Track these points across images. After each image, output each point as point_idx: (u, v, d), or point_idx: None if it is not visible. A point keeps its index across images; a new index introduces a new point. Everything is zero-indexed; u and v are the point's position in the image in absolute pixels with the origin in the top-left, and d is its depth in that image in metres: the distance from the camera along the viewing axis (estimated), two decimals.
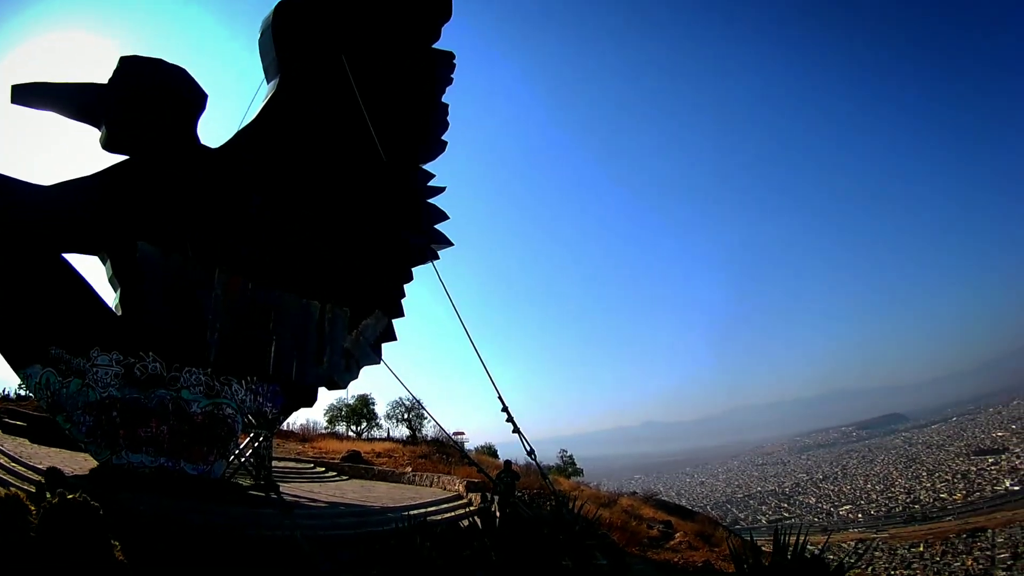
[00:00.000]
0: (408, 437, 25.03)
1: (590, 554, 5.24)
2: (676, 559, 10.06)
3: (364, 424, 26.63)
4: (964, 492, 76.63)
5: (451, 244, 10.81)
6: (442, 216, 10.76)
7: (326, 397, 19.37)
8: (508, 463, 10.50)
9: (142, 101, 7.67)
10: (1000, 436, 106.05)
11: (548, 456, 23.34)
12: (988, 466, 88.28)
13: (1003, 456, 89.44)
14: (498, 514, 7.59)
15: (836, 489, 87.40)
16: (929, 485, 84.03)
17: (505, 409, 8.46)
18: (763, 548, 4.10)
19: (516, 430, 8.41)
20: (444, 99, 11.36)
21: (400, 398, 24.51)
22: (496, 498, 9.02)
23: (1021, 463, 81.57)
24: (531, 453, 8.85)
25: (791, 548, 3.81)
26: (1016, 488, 68.21)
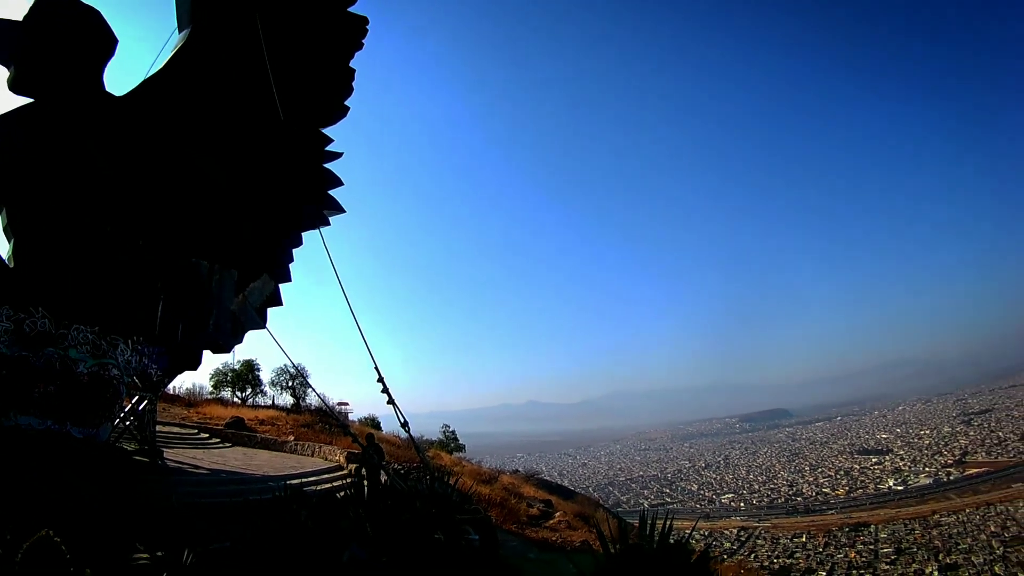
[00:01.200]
0: (292, 406, 34.04)
1: (462, 529, 7.29)
2: (554, 538, 13.27)
3: (249, 391, 35.40)
4: (847, 488, 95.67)
5: (343, 211, 13.37)
6: (337, 182, 13.24)
7: (211, 361, 24.41)
8: (371, 436, 13.58)
9: (52, 41, 9.67)
10: (884, 438, 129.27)
11: (432, 431, 34.58)
12: (871, 465, 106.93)
13: (886, 457, 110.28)
14: (366, 487, 10.09)
15: (718, 478, 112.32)
16: (812, 479, 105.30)
17: (381, 380, 11.11)
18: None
19: (391, 401, 11.18)
20: (352, 64, 14.19)
21: (285, 365, 33.57)
22: (363, 471, 11.98)
23: (904, 464, 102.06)
24: (404, 425, 11.39)
25: (659, 532, 4.73)
26: (899, 488, 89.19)
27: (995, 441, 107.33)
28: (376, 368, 11.29)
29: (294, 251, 13.92)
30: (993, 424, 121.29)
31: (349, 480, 12.40)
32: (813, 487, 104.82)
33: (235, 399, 34.99)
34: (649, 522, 4.95)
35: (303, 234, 13.96)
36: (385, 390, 11.27)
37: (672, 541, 4.63)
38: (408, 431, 11.85)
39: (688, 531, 21.82)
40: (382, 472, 11.99)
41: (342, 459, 17.50)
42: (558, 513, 17.17)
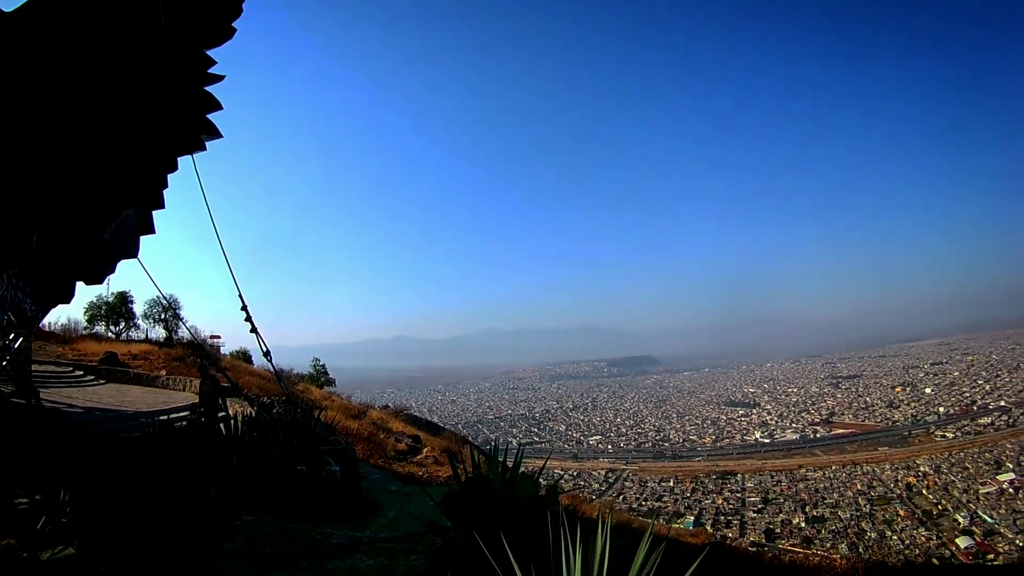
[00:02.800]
0: (164, 339, 39.04)
1: (323, 460, 8.91)
2: (421, 472, 15.82)
3: (123, 324, 40.35)
4: (714, 437, 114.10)
5: (220, 136, 12.54)
6: (215, 105, 12.32)
7: (85, 294, 38.47)
8: (204, 367, 15.19)
9: None
10: (752, 392, 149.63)
11: (303, 365, 41.31)
12: (738, 417, 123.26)
13: (754, 410, 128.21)
14: (232, 421, 10.75)
15: (586, 419, 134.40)
16: (679, 426, 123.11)
17: (244, 308, 12.40)
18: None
19: (253, 329, 12.60)
20: None
21: (158, 298, 37.31)
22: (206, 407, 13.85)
23: (771, 419, 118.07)
24: (267, 354, 12.99)
25: (511, 466, 5.59)
26: (766, 441, 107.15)
27: (862, 405, 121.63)
28: (240, 295, 12.45)
29: (169, 177, 12.15)
30: (861, 389, 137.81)
31: (194, 415, 13.70)
32: (680, 434, 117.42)
33: (109, 334, 39.00)
34: (502, 455, 5.80)
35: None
36: (248, 318, 12.54)
37: (522, 472, 5.41)
38: (270, 360, 13.29)
39: (557, 471, 74.03)
40: (244, 405, 14.00)
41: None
42: (426, 448, 20.24)
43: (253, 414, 11.59)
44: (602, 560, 3.83)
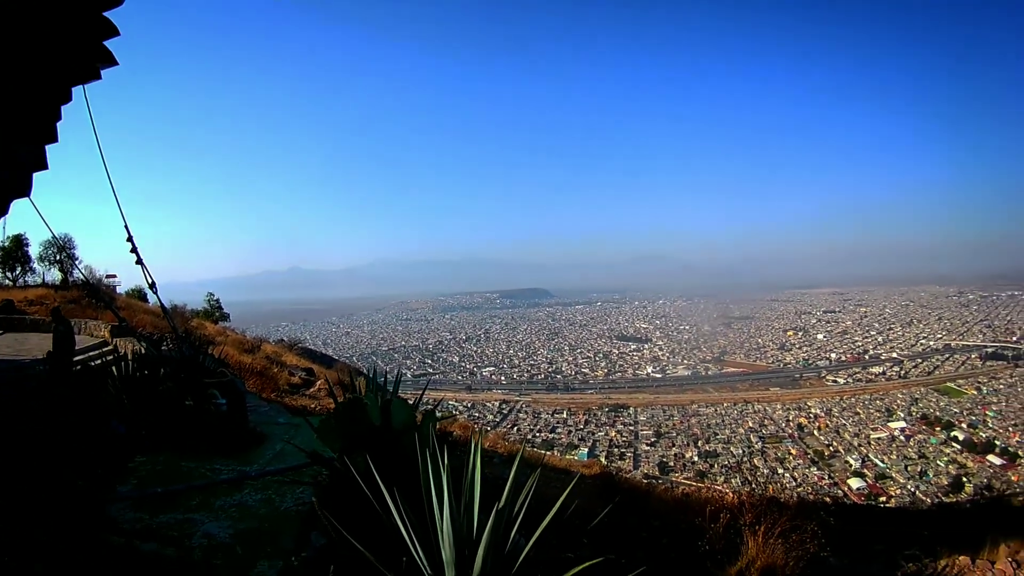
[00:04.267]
0: (60, 281, 38.87)
1: (209, 394, 9.18)
2: (313, 405, 16.02)
3: (19, 269, 40.17)
4: (606, 371, 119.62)
5: (116, 63, 9.80)
6: (111, 31, 9.35)
7: None
8: (56, 310, 15.41)
9: None
10: (644, 328, 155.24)
11: (197, 300, 41.31)
12: (631, 351, 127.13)
13: (646, 345, 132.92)
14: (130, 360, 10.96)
15: (479, 351, 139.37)
16: (571, 359, 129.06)
17: (130, 239, 12.40)
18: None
19: (139, 261, 12.67)
20: None
21: (54, 238, 33.49)
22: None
23: (663, 355, 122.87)
24: (152, 286, 13.09)
25: (389, 393, 6.08)
26: (658, 376, 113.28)
27: (754, 346, 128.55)
28: (126, 227, 12.34)
29: (63, 108, 12.51)
30: (753, 331, 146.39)
31: (46, 363, 13.63)
32: (573, 367, 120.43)
33: (6, 280, 39.80)
34: (376, 381, 6.21)
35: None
36: (134, 249, 12.59)
37: (398, 397, 5.65)
38: (155, 291, 13.43)
39: (451, 402, 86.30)
40: (136, 343, 14.24)
41: (107, 334, 20.47)
42: (319, 381, 20.99)
43: (143, 352, 11.86)
44: (472, 484, 4.00)
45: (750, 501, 7.71)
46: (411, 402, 6.35)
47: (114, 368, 10.45)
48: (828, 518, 8.52)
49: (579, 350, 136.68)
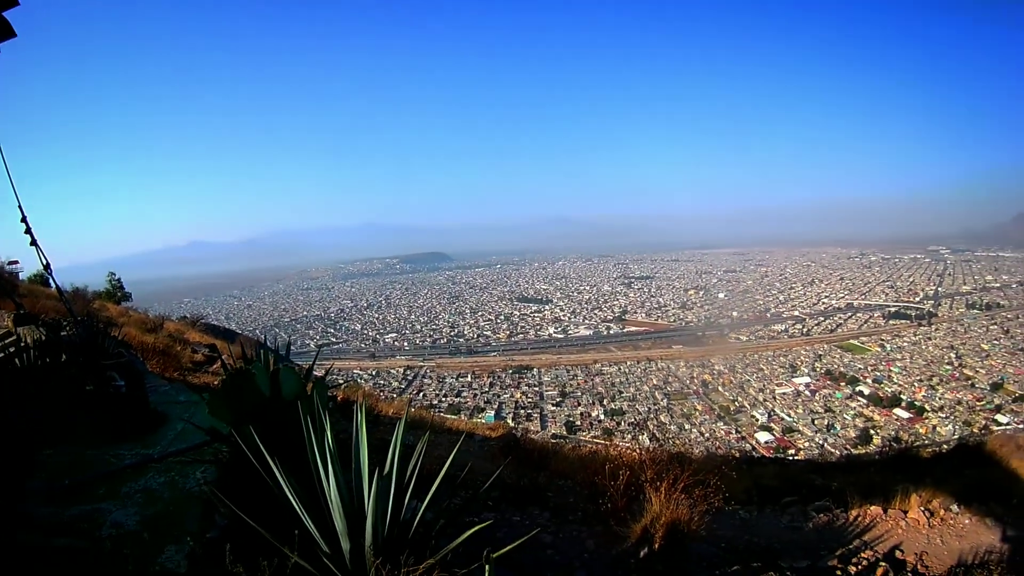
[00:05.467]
0: None
1: (108, 376, 8.75)
2: (215, 382, 14.46)
3: None
4: (508, 332, 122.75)
5: (14, 35, 9.48)
6: (11, 2, 9.40)
7: None
8: None
9: None
10: (544, 289, 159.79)
11: (99, 281, 35.93)
12: (532, 312, 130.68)
13: (547, 307, 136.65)
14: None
15: (381, 317, 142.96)
16: (473, 322, 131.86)
17: (24, 220, 11.32)
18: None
19: (33, 242, 11.47)
20: None
21: None
22: None
23: (564, 315, 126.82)
24: (47, 267, 12.01)
25: (281, 362, 6.01)
26: (560, 336, 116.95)
27: (655, 305, 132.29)
28: (20, 207, 11.49)
29: None
30: (654, 290, 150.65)
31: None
32: (475, 330, 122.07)
33: None
34: (263, 352, 6.13)
35: None
36: (28, 230, 11.79)
37: (285, 366, 5.57)
38: (51, 274, 12.68)
39: (356, 371, 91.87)
40: (36, 331, 12.73)
41: (11, 323, 17.79)
42: (227, 357, 18.64)
43: (43, 339, 11.29)
44: (358, 450, 4.03)
45: (650, 457, 7.69)
46: (318, 373, 6.57)
47: (17, 360, 9.40)
48: (731, 472, 8.59)
49: (480, 313, 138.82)
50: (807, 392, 76.11)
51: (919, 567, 7.15)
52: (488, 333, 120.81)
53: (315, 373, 6.78)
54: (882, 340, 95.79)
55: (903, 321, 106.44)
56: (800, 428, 65.38)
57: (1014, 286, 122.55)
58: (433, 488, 3.97)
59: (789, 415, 69.17)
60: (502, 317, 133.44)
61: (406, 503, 3.94)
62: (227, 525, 4.85)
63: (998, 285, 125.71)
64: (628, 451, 9.78)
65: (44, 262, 11.98)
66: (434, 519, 4.06)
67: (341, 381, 33.71)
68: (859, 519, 8.74)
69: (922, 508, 8.82)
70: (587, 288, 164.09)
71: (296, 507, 3.77)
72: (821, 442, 60.46)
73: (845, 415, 68.40)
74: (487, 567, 3.36)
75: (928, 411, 67.07)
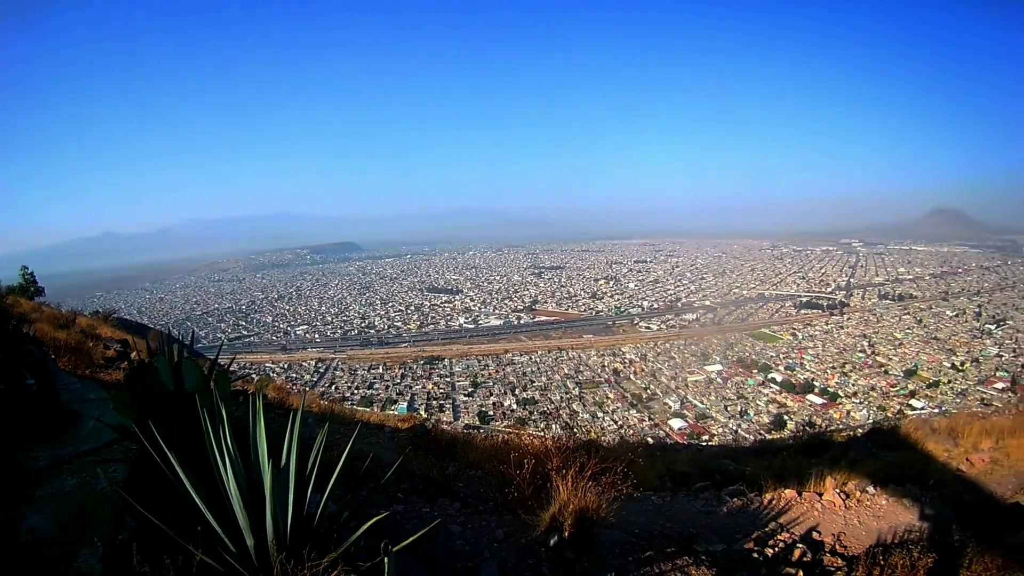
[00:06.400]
0: None
1: (18, 375, 7.65)
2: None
3: None
4: (419, 323, 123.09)
5: None
6: None
7: None
8: None
9: None
10: (455, 279, 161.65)
11: (11, 275, 33.20)
12: (442, 303, 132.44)
13: (457, 297, 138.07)
14: None
15: (292, 309, 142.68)
16: (383, 313, 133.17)
17: None
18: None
19: None
20: None
21: None
22: None
23: (474, 305, 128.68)
24: None
25: (185, 355, 5.67)
26: (470, 326, 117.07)
27: (566, 295, 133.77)
28: None
29: None
30: (564, 280, 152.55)
31: None
32: (385, 321, 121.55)
33: None
34: (169, 345, 6.01)
35: None
36: None
37: (188, 358, 5.47)
38: None
39: (268, 364, 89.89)
40: None
41: None
42: (134, 352, 19.88)
43: None
44: (256, 443, 3.94)
45: (556, 446, 7.67)
46: (228, 366, 6.71)
47: None
48: (638, 459, 9.06)
49: (391, 304, 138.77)
50: (719, 379, 78.30)
51: (837, 547, 7.13)
52: (399, 324, 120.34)
53: (222, 365, 6.77)
54: (794, 329, 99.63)
55: (815, 311, 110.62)
56: (713, 414, 67.25)
57: (927, 278, 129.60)
58: (332, 479, 3.92)
59: (702, 402, 71.00)
60: (413, 308, 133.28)
61: (309, 496, 3.89)
62: (135, 526, 4.77)
63: (911, 277, 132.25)
64: (533, 440, 9.70)
65: None
66: (338, 512, 4.07)
67: (254, 376, 33.32)
68: (774, 502, 8.77)
69: (837, 490, 8.95)
70: (497, 278, 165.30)
71: (199, 503, 3.70)
72: (735, 428, 62.14)
73: (758, 401, 70.60)
74: (386, 560, 3.37)
75: (842, 397, 69.71)
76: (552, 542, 6.01)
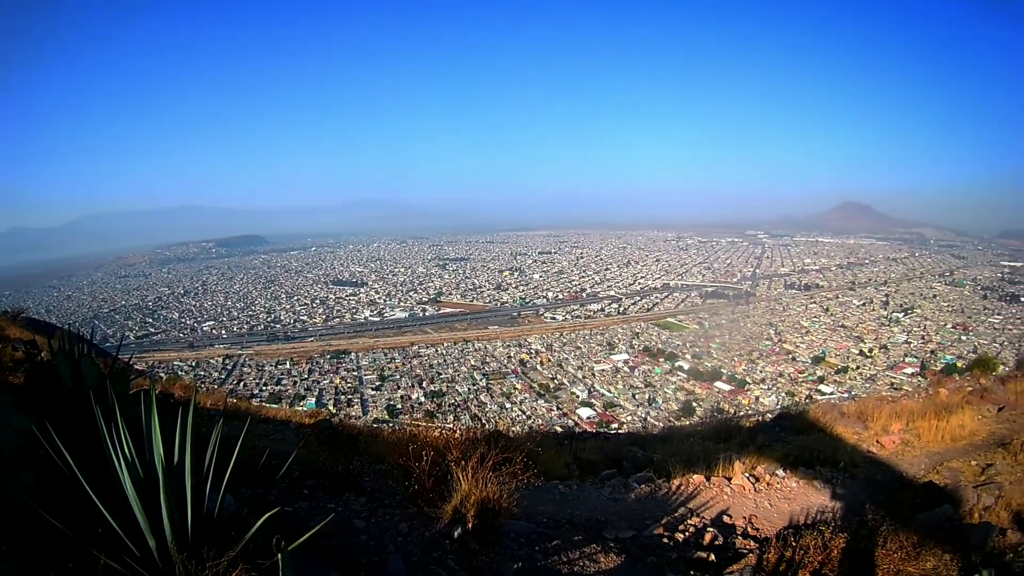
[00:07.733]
0: None
1: None
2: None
3: None
4: (324, 317, 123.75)
5: None
6: None
7: None
8: None
9: None
10: (359, 271, 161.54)
11: None
12: (347, 296, 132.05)
13: (362, 289, 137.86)
14: None
15: (198, 305, 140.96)
16: (289, 307, 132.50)
17: None
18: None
19: None
20: None
21: None
22: None
23: (379, 298, 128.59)
24: None
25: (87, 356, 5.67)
26: (376, 319, 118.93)
27: (471, 287, 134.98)
28: None
29: None
30: (469, 272, 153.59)
31: None
32: (291, 314, 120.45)
33: None
34: (74, 345, 5.95)
35: None
36: None
37: (86, 356, 5.46)
38: None
39: (176, 362, 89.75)
40: None
41: None
42: (43, 352, 19.37)
43: None
44: (150, 440, 3.84)
45: (455, 437, 7.80)
46: (129, 362, 6.64)
47: None
48: (537, 448, 9.23)
49: (296, 297, 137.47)
50: (626, 368, 79.79)
51: (749, 530, 7.13)
52: (305, 318, 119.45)
53: (121, 361, 6.64)
54: (700, 318, 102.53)
55: (721, 300, 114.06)
56: (622, 403, 68.30)
57: (834, 268, 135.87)
58: (227, 475, 3.89)
59: (610, 391, 72.06)
60: (318, 301, 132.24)
61: (207, 494, 3.83)
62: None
63: (817, 267, 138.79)
64: (432, 431, 9.74)
65: None
66: (238, 510, 4.00)
67: (162, 375, 32.18)
68: (682, 488, 8.80)
69: (746, 474, 9.03)
70: (402, 270, 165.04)
71: (96, 501, 3.51)
72: (644, 415, 63.07)
73: (666, 389, 72.02)
74: (280, 556, 3.27)
75: (750, 383, 72.09)
76: (456, 534, 5.91)
